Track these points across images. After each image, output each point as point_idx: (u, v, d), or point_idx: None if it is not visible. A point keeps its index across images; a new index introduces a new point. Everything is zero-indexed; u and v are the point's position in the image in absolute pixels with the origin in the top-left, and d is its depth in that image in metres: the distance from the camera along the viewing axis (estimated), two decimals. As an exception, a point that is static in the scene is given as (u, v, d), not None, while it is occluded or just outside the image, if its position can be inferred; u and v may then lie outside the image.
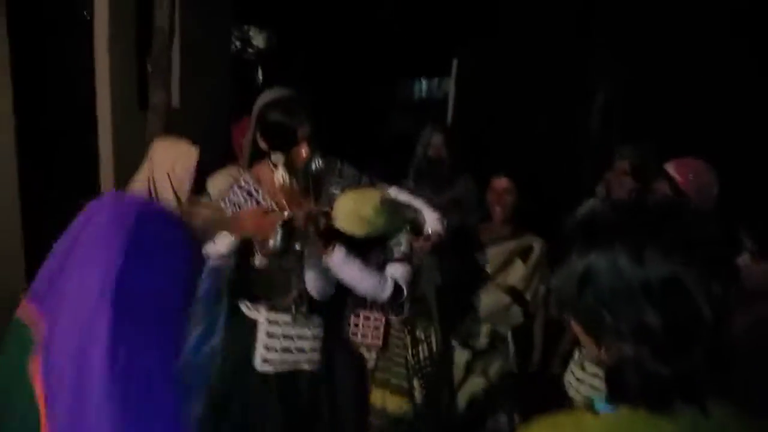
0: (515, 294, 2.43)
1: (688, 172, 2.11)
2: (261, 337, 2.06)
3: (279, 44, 11.75)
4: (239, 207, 2.05)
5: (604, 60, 6.08)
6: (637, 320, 0.85)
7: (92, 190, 4.37)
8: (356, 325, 2.42)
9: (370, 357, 2.45)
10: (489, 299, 2.46)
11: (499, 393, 2.53)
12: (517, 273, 2.44)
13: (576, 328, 0.97)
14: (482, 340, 2.50)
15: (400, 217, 2.16)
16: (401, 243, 2.18)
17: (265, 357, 2.05)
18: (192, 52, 5.52)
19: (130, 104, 4.50)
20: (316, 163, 2.01)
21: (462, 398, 2.55)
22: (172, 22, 3.11)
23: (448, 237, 2.31)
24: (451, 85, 12.31)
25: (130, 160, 4.19)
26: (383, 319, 2.42)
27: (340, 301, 2.28)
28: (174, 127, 3.48)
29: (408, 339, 2.46)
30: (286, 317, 2.07)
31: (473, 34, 9.55)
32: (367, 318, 2.41)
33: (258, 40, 11.45)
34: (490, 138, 3.54)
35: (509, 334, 2.51)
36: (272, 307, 2.08)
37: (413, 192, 2.70)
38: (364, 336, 2.42)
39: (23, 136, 3.49)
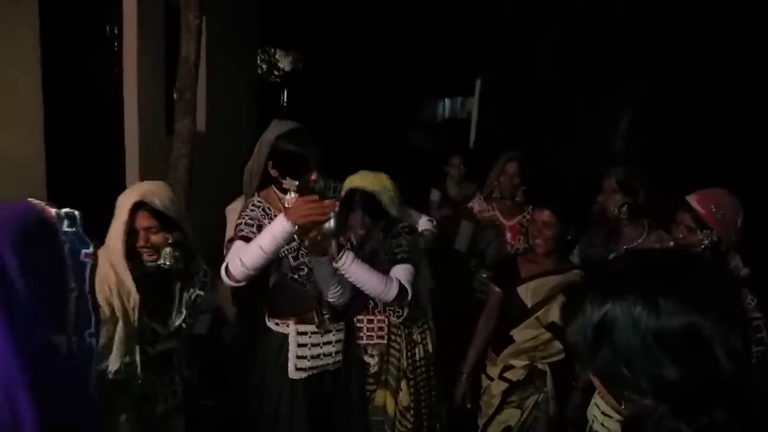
0: (556, 329, 2.39)
1: (710, 203, 2.06)
2: (292, 348, 2.33)
3: (304, 67, 11.94)
4: (257, 221, 2.21)
5: (629, 81, 6.05)
6: (656, 374, 0.83)
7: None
8: (360, 328, 2.52)
9: (375, 358, 2.53)
10: (528, 333, 2.43)
11: (532, 427, 2.50)
12: (558, 309, 2.39)
13: (595, 381, 0.94)
14: (519, 372, 2.48)
15: (400, 204, 2.41)
16: (402, 245, 2.36)
17: (298, 366, 2.34)
18: (218, 78, 5.64)
19: (157, 130, 4.61)
20: (320, 186, 2.26)
21: (495, 427, 2.53)
22: (198, 51, 3.19)
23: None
24: (474, 105, 12.37)
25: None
26: (386, 321, 2.51)
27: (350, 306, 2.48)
28: (199, 152, 3.55)
29: (403, 343, 2.52)
30: (312, 327, 2.34)
31: (496, 55, 9.58)
32: (370, 321, 2.52)
33: (284, 63, 11.63)
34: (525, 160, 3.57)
35: (548, 370, 2.47)
36: (299, 321, 2.33)
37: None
38: (369, 337, 2.52)
39: (52, 159, 3.58)
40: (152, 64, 4.51)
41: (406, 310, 2.54)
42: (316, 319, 2.33)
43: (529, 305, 2.43)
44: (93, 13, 4.17)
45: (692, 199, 2.12)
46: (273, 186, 2.29)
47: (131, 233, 1.86)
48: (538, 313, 2.41)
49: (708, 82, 5.05)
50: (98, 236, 1.77)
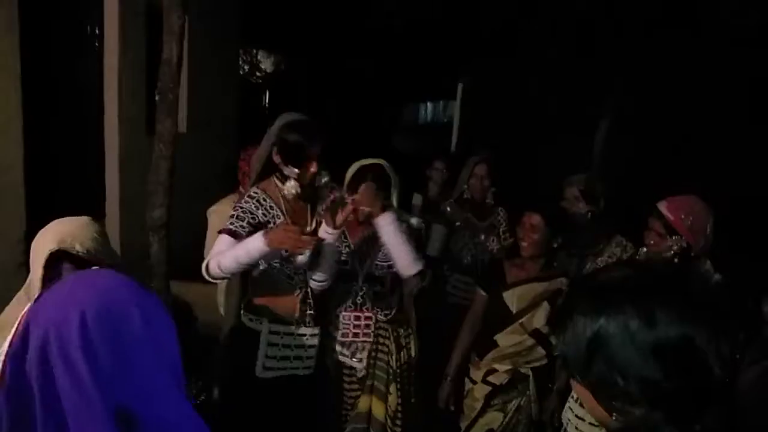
0: (539, 336, 2.42)
1: (680, 210, 2.10)
2: (262, 347, 2.34)
3: (287, 68, 11.89)
4: (249, 213, 2.24)
5: (609, 85, 6.13)
6: (650, 384, 0.84)
7: (98, 213, 4.43)
8: (347, 326, 2.51)
9: (362, 362, 2.50)
10: (512, 338, 2.46)
11: (514, 430, 2.53)
12: (543, 316, 2.42)
13: (582, 391, 0.95)
14: (502, 376, 2.50)
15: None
16: (408, 220, 2.44)
17: (266, 365, 2.34)
18: (200, 79, 5.60)
19: (138, 131, 4.57)
20: (321, 178, 2.31)
21: (477, 430, 2.55)
22: (180, 52, 3.17)
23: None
24: (456, 109, 12.42)
25: (136, 185, 4.26)
26: (373, 318, 2.50)
27: (329, 306, 2.51)
28: (180, 153, 3.53)
29: (393, 345, 2.50)
30: (286, 328, 2.35)
31: (478, 59, 9.65)
32: (357, 318, 2.51)
33: (266, 64, 11.58)
34: (496, 161, 3.61)
35: (531, 374, 2.50)
36: (274, 320, 2.34)
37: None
38: (355, 335, 2.50)
39: (31, 160, 3.54)
40: (133, 64, 4.48)
41: (393, 309, 2.55)
42: (298, 312, 2.33)
43: (514, 311, 2.45)
44: (74, 13, 4.13)
45: (662, 206, 2.16)
46: (275, 175, 2.32)
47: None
48: (523, 319, 2.43)
49: (688, 90, 5.14)
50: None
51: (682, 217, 2.09)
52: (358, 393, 2.53)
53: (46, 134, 3.81)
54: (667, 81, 5.25)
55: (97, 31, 4.24)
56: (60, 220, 1.60)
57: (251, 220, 2.23)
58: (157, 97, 3.26)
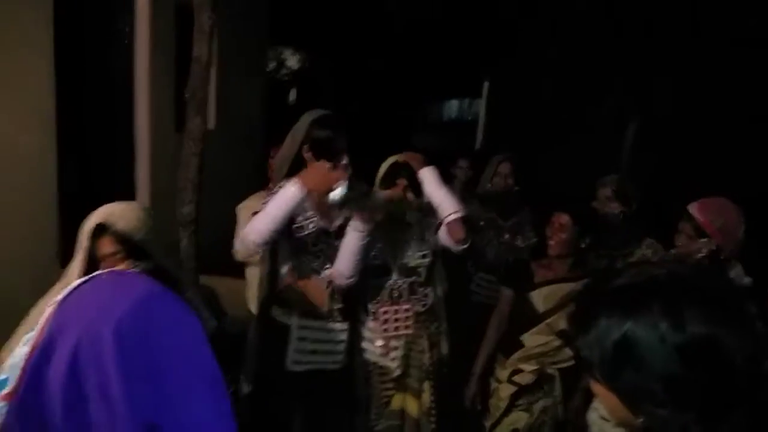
0: (567, 337, 2.40)
1: (711, 212, 2.07)
2: (293, 340, 2.37)
3: (312, 66, 11.97)
4: None
5: (639, 85, 6.05)
6: (678, 384, 0.83)
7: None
8: (386, 320, 2.50)
9: (397, 360, 2.49)
10: (539, 339, 2.45)
11: (540, 431, 2.52)
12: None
13: (603, 393, 0.94)
14: (528, 377, 2.49)
15: None
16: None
17: (295, 359, 2.38)
18: (228, 76, 5.67)
19: (167, 127, 4.65)
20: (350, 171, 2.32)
21: (502, 429, 2.54)
22: (210, 51, 3.21)
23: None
24: (481, 107, 12.37)
25: (165, 181, 4.33)
26: (411, 310, 2.50)
27: (361, 302, 2.53)
28: (208, 149, 3.57)
29: (426, 343, 2.51)
30: (316, 322, 2.39)
31: (505, 57, 9.59)
32: (396, 311, 2.51)
33: (292, 61, 11.67)
34: (520, 160, 3.60)
35: (557, 375, 2.48)
36: (303, 314, 2.38)
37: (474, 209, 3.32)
38: (396, 328, 2.50)
39: (64, 155, 3.62)
40: (163, 61, 4.55)
41: (430, 298, 2.56)
42: (328, 305, 2.37)
43: (541, 311, 2.44)
44: (106, 12, 4.21)
45: (693, 208, 2.13)
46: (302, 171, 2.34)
47: (92, 263, 1.62)
48: (549, 320, 2.42)
49: (720, 91, 5.05)
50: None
51: (713, 219, 2.06)
52: (392, 391, 2.53)
53: (79, 130, 3.89)
54: (698, 81, 5.17)
55: (127, 28, 4.31)
56: (111, 203, 1.68)
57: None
58: (186, 95, 3.30)
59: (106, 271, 0.89)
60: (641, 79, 5.81)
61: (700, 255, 2.07)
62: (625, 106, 6.10)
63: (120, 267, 1.62)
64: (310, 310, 2.40)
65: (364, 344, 2.54)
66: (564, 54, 7.41)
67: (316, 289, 2.38)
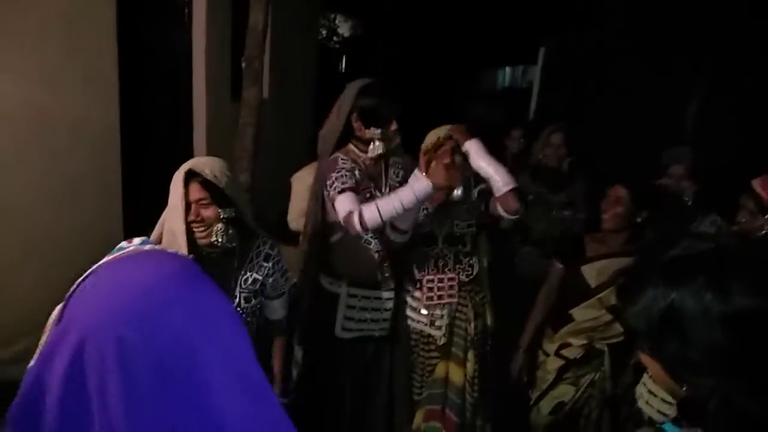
0: (617, 312, 2.38)
1: None
2: (341, 308, 2.45)
3: (365, 33, 11.87)
4: (352, 173, 2.27)
5: (701, 58, 5.78)
6: (723, 355, 0.84)
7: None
8: (431, 288, 2.51)
9: (442, 329, 2.52)
10: (589, 313, 2.43)
11: (586, 405, 2.52)
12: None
13: (650, 363, 0.96)
14: (576, 351, 2.48)
15: None
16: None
17: (344, 326, 2.47)
18: (282, 46, 5.71)
19: (224, 97, 4.74)
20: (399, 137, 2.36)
21: (548, 401, 2.56)
22: (266, 20, 3.25)
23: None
24: (536, 75, 12.05)
25: (221, 150, 4.43)
26: (456, 279, 2.51)
27: (407, 270, 2.57)
28: (264, 119, 3.65)
29: (471, 312, 2.52)
30: (364, 291, 2.46)
31: (561, 23, 9.29)
32: (441, 280, 2.52)
33: (344, 28, 11.60)
34: (572, 130, 3.50)
35: (606, 350, 2.47)
36: (353, 282, 2.44)
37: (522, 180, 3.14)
38: (440, 297, 2.51)
39: (126, 126, 3.74)
40: (220, 32, 4.62)
41: (475, 268, 2.56)
42: (379, 276, 2.42)
43: (593, 285, 2.41)
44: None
45: (756, 184, 2.07)
46: (351, 142, 2.36)
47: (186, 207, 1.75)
48: (601, 295, 2.39)
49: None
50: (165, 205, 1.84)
51: None
52: (437, 360, 2.56)
53: (140, 100, 4.01)
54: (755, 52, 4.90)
55: (186, 0, 4.39)
56: (199, 157, 1.83)
57: (356, 178, 2.26)
58: (243, 65, 3.36)
59: (130, 250, 0.81)
60: (707, 50, 5.55)
61: (762, 232, 2.01)
62: (688, 80, 5.84)
63: (207, 212, 1.77)
64: (358, 279, 2.44)
65: (409, 312, 2.58)
66: (625, 22, 7.14)
67: (365, 257, 2.42)
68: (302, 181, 2.91)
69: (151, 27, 4.14)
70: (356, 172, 2.28)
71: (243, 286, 1.96)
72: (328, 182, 2.24)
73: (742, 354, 0.84)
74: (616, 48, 7.19)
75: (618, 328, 2.41)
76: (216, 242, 1.81)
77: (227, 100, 4.74)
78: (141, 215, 2.66)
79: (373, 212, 2.08)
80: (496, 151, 4.15)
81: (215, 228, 1.79)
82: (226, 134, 4.05)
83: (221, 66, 4.69)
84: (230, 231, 1.82)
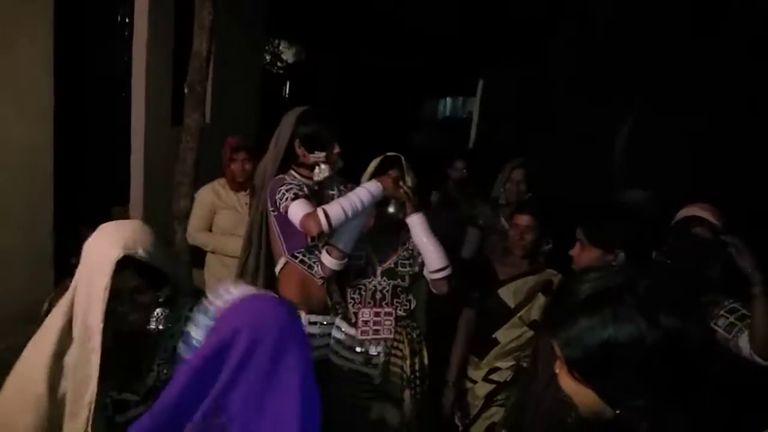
0: (538, 326, 2.43)
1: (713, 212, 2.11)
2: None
3: (307, 60, 11.93)
4: (299, 187, 2.26)
5: (631, 89, 6.08)
6: (654, 376, 0.90)
7: (123, 200, 4.53)
8: (366, 322, 2.42)
9: (377, 363, 2.42)
10: (512, 333, 2.48)
11: (515, 423, 2.53)
12: (538, 307, 2.45)
13: (577, 388, 0.99)
14: (505, 373, 2.51)
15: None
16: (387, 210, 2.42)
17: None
18: (224, 71, 5.68)
19: (164, 121, 4.66)
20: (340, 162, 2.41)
21: (478, 426, 2.56)
22: (210, 46, 3.23)
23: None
24: (475, 105, 12.41)
25: (159, 174, 4.34)
26: (393, 314, 2.43)
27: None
28: (204, 143, 3.59)
29: (407, 349, 2.41)
30: (322, 318, 2.44)
31: (500, 56, 9.62)
32: (377, 314, 2.43)
33: (287, 54, 11.62)
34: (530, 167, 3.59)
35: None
36: (310, 311, 2.41)
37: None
38: (375, 332, 2.41)
39: (60, 147, 3.61)
40: (161, 56, 4.56)
41: (412, 303, 2.49)
42: (329, 302, 2.40)
43: (512, 305, 2.48)
44: (106, 3, 4.21)
45: (697, 211, 2.15)
46: (292, 168, 2.36)
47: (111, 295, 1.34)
48: (521, 312, 2.46)
49: (713, 96, 5.08)
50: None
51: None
52: (371, 401, 2.44)
53: (75, 122, 3.89)
54: (691, 86, 5.21)
55: (127, 20, 4.31)
56: (114, 223, 1.43)
57: (306, 193, 2.25)
58: (185, 90, 3.32)
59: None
60: (636, 82, 5.86)
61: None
62: (619, 110, 6.13)
63: (143, 298, 1.44)
64: (310, 306, 2.39)
65: (343, 351, 2.45)
66: (561, 55, 7.45)
67: (312, 284, 2.39)
68: (206, 189, 3.09)
69: (91, 49, 4.04)
70: (305, 189, 2.27)
71: (166, 356, 1.58)
72: (277, 197, 2.21)
73: (669, 374, 0.90)
74: (553, 80, 7.48)
75: None
76: (153, 330, 1.48)
77: (167, 125, 4.66)
78: (72, 241, 2.54)
79: (337, 209, 2.08)
80: (438, 177, 4.26)
81: (155, 314, 1.47)
82: (165, 159, 3.97)
83: (162, 90, 4.61)
84: (168, 314, 1.49)
